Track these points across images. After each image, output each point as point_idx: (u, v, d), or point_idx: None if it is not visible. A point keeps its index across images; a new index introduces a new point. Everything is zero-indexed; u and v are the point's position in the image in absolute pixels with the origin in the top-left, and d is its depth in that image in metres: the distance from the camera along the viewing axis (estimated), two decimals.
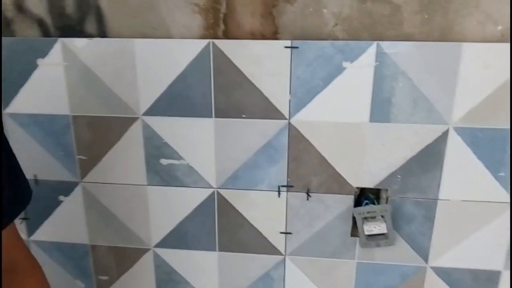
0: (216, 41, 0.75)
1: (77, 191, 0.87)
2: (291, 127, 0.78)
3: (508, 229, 0.80)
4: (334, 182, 0.81)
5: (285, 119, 0.78)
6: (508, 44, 0.70)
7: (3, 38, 0.78)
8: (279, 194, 0.82)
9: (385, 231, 0.79)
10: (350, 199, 0.81)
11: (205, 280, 0.91)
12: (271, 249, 0.87)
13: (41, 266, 0.57)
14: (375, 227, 0.79)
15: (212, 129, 0.80)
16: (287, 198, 0.83)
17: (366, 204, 0.80)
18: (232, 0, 0.74)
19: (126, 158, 0.83)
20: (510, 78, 0.72)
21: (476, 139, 0.75)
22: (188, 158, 0.82)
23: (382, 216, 0.79)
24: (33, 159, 0.85)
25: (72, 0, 0.77)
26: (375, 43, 0.72)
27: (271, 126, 0.79)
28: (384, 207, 0.78)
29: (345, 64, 0.74)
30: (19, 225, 0.89)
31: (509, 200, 0.78)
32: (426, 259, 0.84)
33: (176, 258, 0.90)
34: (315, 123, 0.77)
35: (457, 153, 0.76)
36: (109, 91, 0.79)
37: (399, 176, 0.79)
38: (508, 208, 0.78)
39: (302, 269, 0.87)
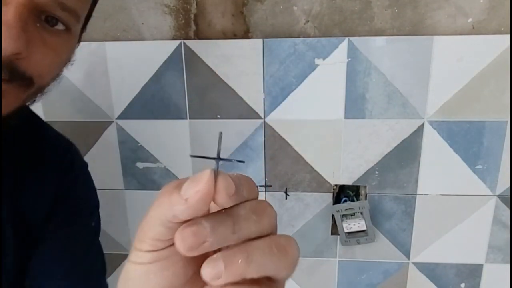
0: (187, 42, 0.74)
1: None
2: (266, 126, 0.78)
3: (490, 222, 0.79)
4: (312, 181, 0.80)
5: (260, 118, 0.77)
6: (480, 36, 0.70)
7: None
8: None
9: (364, 227, 0.78)
10: (329, 197, 0.81)
11: None
12: None
13: None
14: (354, 224, 0.78)
15: (187, 131, 0.79)
16: (265, 198, 0.82)
17: (345, 201, 0.79)
18: (202, 0, 0.74)
19: (102, 163, 0.82)
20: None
21: (452, 133, 0.75)
22: (164, 160, 0.81)
23: (361, 213, 0.78)
24: None
25: None
26: (346, 39, 0.72)
27: (247, 126, 0.78)
28: (362, 203, 0.78)
29: (317, 61, 0.73)
30: None
31: (488, 193, 0.78)
32: (408, 255, 0.83)
33: None
34: (290, 121, 0.77)
35: (434, 147, 0.76)
36: (82, 96, 0.79)
37: (376, 172, 0.78)
38: (488, 201, 0.78)
39: None
